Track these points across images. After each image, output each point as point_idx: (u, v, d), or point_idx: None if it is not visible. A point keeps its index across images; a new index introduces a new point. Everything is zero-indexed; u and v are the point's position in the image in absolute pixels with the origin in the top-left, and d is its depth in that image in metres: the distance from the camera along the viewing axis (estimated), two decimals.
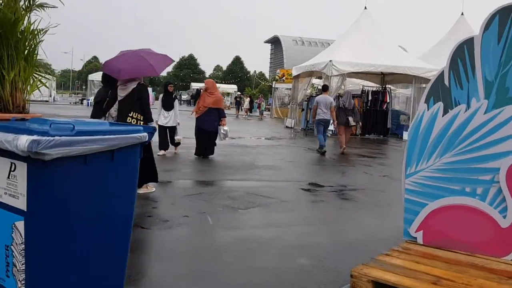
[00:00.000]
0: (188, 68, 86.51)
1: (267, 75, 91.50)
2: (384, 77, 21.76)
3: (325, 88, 12.67)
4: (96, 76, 43.32)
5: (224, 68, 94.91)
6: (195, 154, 9.47)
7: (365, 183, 7.63)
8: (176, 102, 9.86)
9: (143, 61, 5.51)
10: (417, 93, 18.42)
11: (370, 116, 18.87)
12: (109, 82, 5.76)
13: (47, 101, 42.10)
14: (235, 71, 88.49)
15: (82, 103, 40.75)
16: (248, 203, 5.65)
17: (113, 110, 5.80)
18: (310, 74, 21.11)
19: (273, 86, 35.21)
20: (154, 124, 6.14)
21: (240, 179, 7.49)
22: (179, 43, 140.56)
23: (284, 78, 32.78)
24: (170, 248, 3.93)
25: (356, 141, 16.62)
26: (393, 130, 19.40)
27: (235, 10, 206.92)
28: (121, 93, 5.66)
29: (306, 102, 20.44)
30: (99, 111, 5.83)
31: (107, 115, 5.83)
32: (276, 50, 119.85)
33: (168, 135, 9.66)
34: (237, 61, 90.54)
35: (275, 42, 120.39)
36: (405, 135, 18.05)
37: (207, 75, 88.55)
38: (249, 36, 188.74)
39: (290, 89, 31.58)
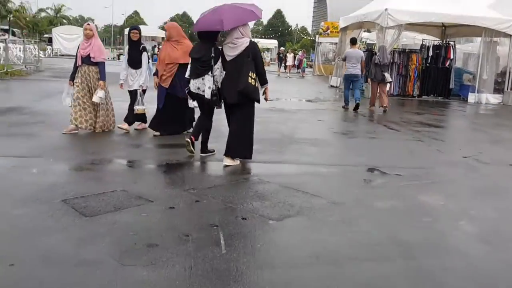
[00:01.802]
0: None
1: (309, 30, 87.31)
2: (445, 30, 18.91)
3: (353, 41, 11.81)
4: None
5: (265, 22, 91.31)
6: (149, 126, 6.74)
7: (447, 170, 5.62)
8: (145, 57, 6.79)
9: (239, 8, 5.16)
10: (487, 48, 15.66)
11: (430, 75, 16.30)
12: (207, 37, 5.24)
13: None
14: (276, 25, 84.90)
15: (119, 59, 39.53)
16: (284, 207, 3.84)
17: (219, 72, 5.14)
18: (360, 26, 18.54)
19: (317, 40, 32.51)
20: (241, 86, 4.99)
21: (273, 161, 5.63)
22: None
23: (328, 31, 29.95)
24: None
25: (414, 104, 14.30)
26: (455, 90, 16.80)
27: None
28: (231, 52, 5.05)
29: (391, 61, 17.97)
30: (201, 68, 5.15)
31: (211, 75, 5.10)
32: (320, 3, 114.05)
33: None
34: (278, 15, 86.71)
35: None
36: (471, 97, 15.54)
37: None
38: None
39: (335, 43, 28.95)
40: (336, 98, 13.83)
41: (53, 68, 20.79)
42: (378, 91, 11.40)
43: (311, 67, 35.14)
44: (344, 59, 11.40)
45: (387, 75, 11.30)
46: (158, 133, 6.56)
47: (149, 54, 7.12)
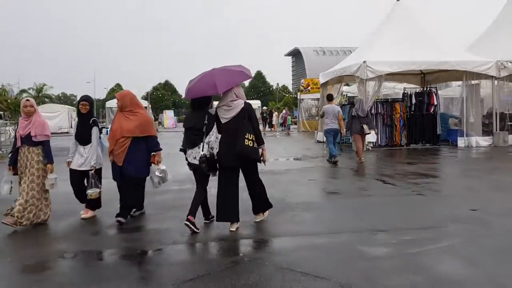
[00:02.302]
0: None
1: (290, 88, 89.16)
2: (424, 77, 19.05)
3: (329, 98, 12.18)
4: (113, 103, 42.04)
5: (247, 84, 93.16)
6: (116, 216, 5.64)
7: (458, 228, 5.04)
8: (95, 132, 5.90)
9: (230, 71, 5.21)
10: (470, 91, 15.63)
11: (416, 122, 16.10)
12: (200, 105, 5.18)
13: (67, 132, 41.06)
14: (258, 86, 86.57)
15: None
16: None
17: (214, 138, 5.04)
18: (340, 80, 18.59)
19: (298, 97, 32.76)
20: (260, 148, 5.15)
21: (265, 235, 5.00)
22: (201, 62, 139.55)
23: (309, 88, 30.27)
24: None
25: (404, 154, 13.92)
26: (443, 136, 16.56)
27: (252, 25, 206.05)
28: (226, 114, 5.04)
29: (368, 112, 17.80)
30: (195, 137, 5.05)
31: (205, 142, 5.00)
32: (298, 62, 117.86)
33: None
34: (259, 76, 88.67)
35: (295, 54, 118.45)
36: (460, 141, 15.26)
37: None
38: (269, 51, 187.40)
39: (317, 99, 29.16)
40: (324, 154, 13.38)
41: None
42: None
43: (295, 124, 35.17)
44: (322, 115, 11.67)
45: (365, 126, 11.43)
46: (122, 219, 5.58)
47: (100, 127, 6.22)
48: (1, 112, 53.79)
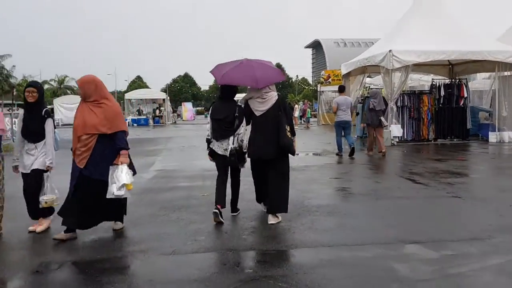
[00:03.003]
0: None
1: (310, 81, 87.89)
2: (452, 68, 17.98)
3: (341, 89, 12.05)
4: (133, 95, 41.76)
5: None
6: (62, 224, 4.54)
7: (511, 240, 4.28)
8: (49, 125, 4.87)
9: (268, 67, 5.20)
10: (502, 83, 14.58)
11: (444, 116, 15.14)
12: (230, 95, 5.17)
13: None
14: None
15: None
16: None
17: (243, 130, 5.06)
18: (363, 71, 17.67)
19: (318, 89, 31.82)
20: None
21: (280, 246, 4.32)
22: (220, 54, 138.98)
23: (330, 80, 29.30)
24: None
25: (432, 150, 13.04)
26: (472, 130, 15.55)
27: (273, 16, 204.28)
28: (260, 107, 5.01)
29: (361, 104, 16.97)
30: (225, 129, 5.01)
31: (236, 134, 5.01)
32: (318, 54, 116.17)
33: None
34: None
35: (316, 46, 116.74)
36: (492, 137, 14.27)
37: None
38: (289, 43, 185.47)
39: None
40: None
41: None
42: (375, 135, 11.36)
43: (315, 117, 34.26)
44: (336, 108, 11.38)
45: (383, 119, 11.24)
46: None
47: (55, 120, 5.20)
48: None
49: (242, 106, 5.10)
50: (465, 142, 14.65)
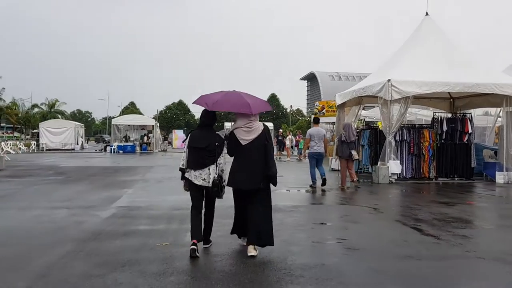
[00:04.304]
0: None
1: (304, 112, 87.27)
2: (454, 102, 16.97)
3: (316, 121, 12.34)
4: (120, 120, 40.52)
5: None
6: None
7: None
8: None
9: (254, 97, 5.20)
10: (510, 119, 13.47)
11: (447, 153, 13.96)
12: (211, 123, 5.12)
13: (73, 149, 39.57)
14: (271, 109, 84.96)
15: (105, 150, 37.53)
16: None
17: (223, 160, 5.02)
18: (358, 102, 16.61)
19: (312, 121, 30.76)
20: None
21: None
22: (212, 84, 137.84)
23: (324, 110, 28.32)
24: None
25: (434, 190, 11.79)
26: (476, 169, 14.35)
27: (269, 49, 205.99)
28: (246, 136, 4.93)
29: (357, 137, 15.78)
30: (207, 158, 4.88)
31: (216, 164, 4.90)
32: (313, 86, 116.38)
33: None
34: (272, 99, 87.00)
35: (311, 78, 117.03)
36: (499, 177, 13.08)
37: None
38: (284, 74, 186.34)
39: (332, 123, 27.14)
40: (339, 186, 11.35)
41: (18, 166, 18.53)
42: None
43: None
44: (309, 138, 11.40)
45: (354, 152, 11.18)
46: None
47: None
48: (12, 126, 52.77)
49: (223, 136, 5.04)
50: (469, 182, 13.43)
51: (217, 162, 4.89)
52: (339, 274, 4.27)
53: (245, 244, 5.04)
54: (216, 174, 4.86)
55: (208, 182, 4.84)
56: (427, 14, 15.37)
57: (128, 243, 5.37)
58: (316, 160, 11.22)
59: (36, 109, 65.15)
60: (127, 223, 6.63)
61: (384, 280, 4.18)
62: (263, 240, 4.88)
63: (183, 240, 5.50)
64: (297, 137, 31.87)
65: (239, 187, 4.94)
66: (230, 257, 4.84)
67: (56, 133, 40.35)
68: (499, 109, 16.40)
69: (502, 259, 4.85)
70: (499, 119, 16.27)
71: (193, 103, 5.25)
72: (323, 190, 10.76)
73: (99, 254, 4.89)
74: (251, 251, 4.79)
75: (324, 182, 11.05)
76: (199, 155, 4.88)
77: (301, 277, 4.12)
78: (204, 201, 5.09)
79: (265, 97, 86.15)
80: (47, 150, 37.92)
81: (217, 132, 5.09)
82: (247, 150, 4.88)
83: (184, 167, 4.97)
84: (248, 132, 4.91)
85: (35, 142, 40.00)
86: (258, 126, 4.97)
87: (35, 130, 52.31)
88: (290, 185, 11.79)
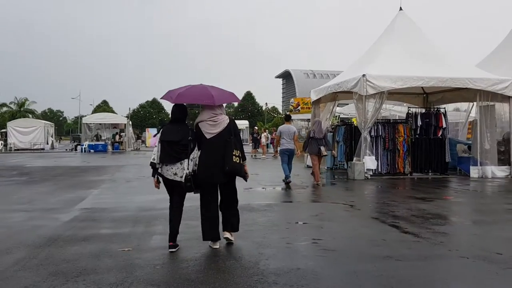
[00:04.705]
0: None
1: (280, 110, 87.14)
2: (427, 97, 16.94)
3: (287, 118, 12.63)
4: (91, 119, 39.38)
5: (236, 104, 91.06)
6: None
7: None
8: None
9: (220, 89, 5.14)
10: (484, 113, 13.45)
11: (421, 148, 13.88)
12: (183, 117, 4.99)
13: (42, 149, 38.25)
14: (247, 106, 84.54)
15: (76, 149, 36.45)
16: None
17: (196, 153, 4.86)
18: (333, 98, 16.36)
19: None
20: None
21: None
22: (188, 82, 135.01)
23: (299, 107, 28.12)
24: None
25: (410, 185, 11.66)
26: (450, 164, 14.31)
27: (245, 46, 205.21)
28: (211, 130, 4.85)
29: (332, 133, 15.59)
30: (180, 152, 4.75)
31: (190, 158, 4.77)
32: (288, 84, 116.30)
33: None
34: (248, 97, 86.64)
35: (286, 76, 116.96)
36: (473, 171, 13.07)
37: None
38: (259, 72, 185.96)
39: (307, 119, 26.94)
40: (314, 183, 11.07)
41: None
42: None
43: None
44: (279, 135, 11.60)
45: (323, 148, 11.08)
46: None
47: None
48: None
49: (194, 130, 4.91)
50: (444, 176, 13.37)
51: (192, 156, 4.77)
52: (316, 279, 3.93)
53: (215, 247, 4.88)
54: (189, 169, 4.72)
55: (181, 177, 4.71)
56: (401, 9, 15.28)
57: (86, 249, 4.91)
58: (288, 156, 11.26)
59: (4, 108, 63.07)
60: (88, 226, 6.15)
61: (363, 284, 3.87)
62: (234, 226, 5.05)
63: (148, 245, 5.10)
64: (273, 134, 31.64)
65: (205, 180, 4.82)
66: (198, 263, 4.44)
67: (24, 133, 38.98)
68: (470, 104, 16.52)
69: (487, 258, 4.60)
70: (472, 114, 16.35)
71: (160, 98, 5.21)
72: (298, 188, 10.46)
73: (53, 262, 4.43)
74: (227, 235, 4.97)
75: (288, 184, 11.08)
76: (172, 149, 4.75)
77: (274, 284, 3.76)
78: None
79: (240, 95, 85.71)
80: (15, 150, 36.59)
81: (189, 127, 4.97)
82: (212, 144, 4.81)
83: (155, 162, 4.78)
84: (213, 125, 4.83)
85: (2, 142, 38.48)
86: (223, 120, 4.87)
87: (3, 130, 50.51)
88: (265, 183, 11.47)
